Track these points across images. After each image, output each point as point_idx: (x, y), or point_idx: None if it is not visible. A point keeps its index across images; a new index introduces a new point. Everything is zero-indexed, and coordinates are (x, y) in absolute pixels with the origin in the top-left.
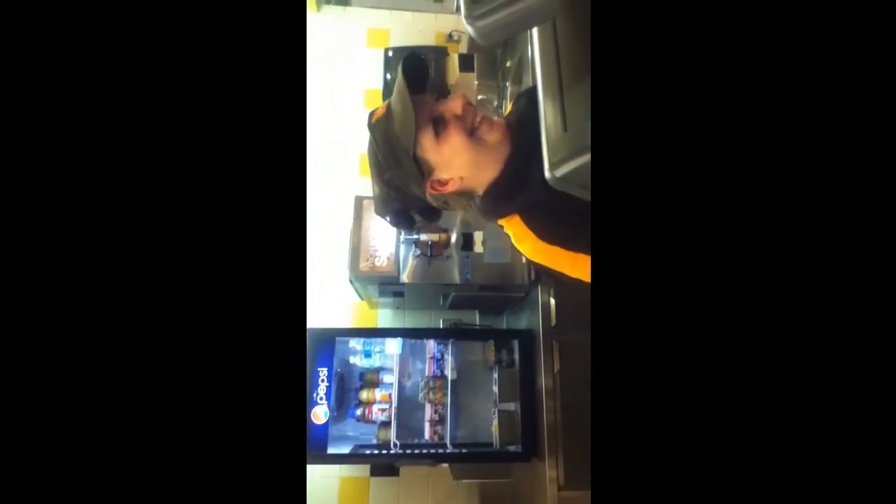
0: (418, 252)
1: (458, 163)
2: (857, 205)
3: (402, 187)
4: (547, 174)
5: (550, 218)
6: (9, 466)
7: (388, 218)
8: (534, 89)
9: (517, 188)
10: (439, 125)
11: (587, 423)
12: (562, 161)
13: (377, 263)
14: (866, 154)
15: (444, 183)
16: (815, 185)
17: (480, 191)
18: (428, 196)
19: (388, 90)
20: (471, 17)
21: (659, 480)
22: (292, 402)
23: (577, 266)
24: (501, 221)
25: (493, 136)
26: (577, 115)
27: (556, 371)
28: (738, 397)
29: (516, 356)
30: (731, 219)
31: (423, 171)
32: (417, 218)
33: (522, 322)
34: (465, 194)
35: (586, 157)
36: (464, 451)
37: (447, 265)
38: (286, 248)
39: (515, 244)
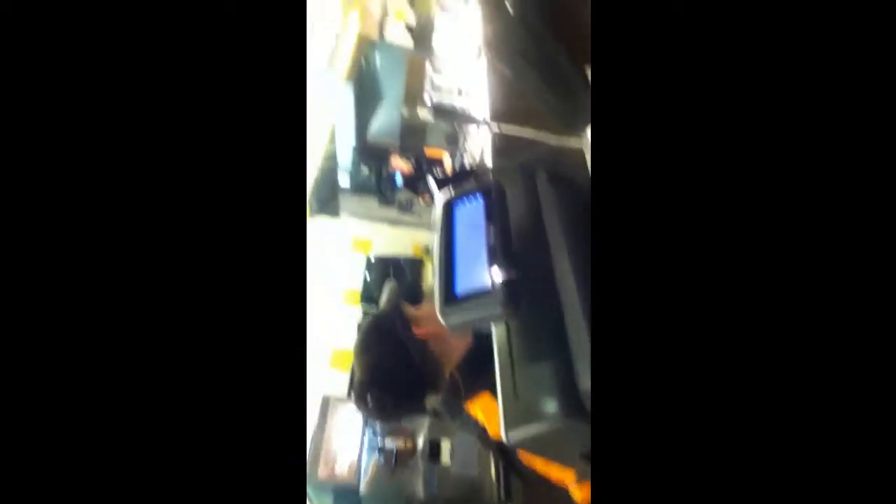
0: (382, 460)
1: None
2: (856, 205)
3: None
4: (503, 435)
5: None
6: (8, 464)
7: (374, 395)
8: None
9: (480, 370)
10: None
11: None
12: (513, 426)
13: (337, 471)
14: (865, 155)
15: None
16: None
17: (452, 366)
18: (415, 337)
19: (366, 290)
20: (443, 315)
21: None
22: None
23: None
24: (473, 404)
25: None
26: (526, 388)
27: None
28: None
29: None
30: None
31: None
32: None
33: None
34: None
35: (533, 426)
36: None
37: (411, 475)
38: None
39: (485, 425)
